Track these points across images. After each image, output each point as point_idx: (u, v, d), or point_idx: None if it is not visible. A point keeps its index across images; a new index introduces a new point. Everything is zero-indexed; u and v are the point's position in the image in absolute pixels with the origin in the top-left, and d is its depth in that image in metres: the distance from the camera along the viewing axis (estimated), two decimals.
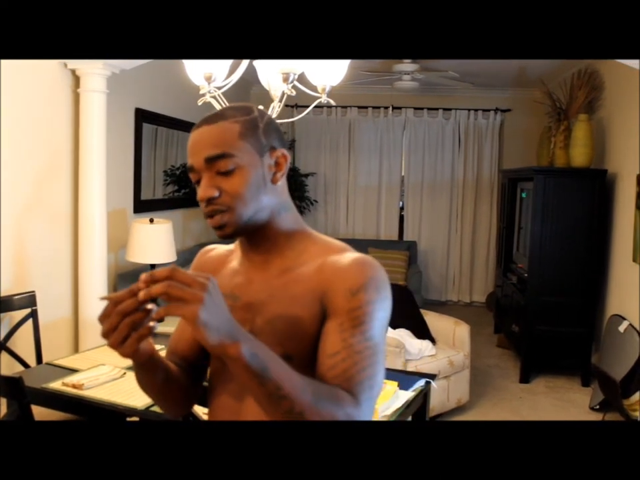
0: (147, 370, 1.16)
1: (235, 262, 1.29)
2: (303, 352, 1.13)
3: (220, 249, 1.37)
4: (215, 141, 1.15)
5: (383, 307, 1.12)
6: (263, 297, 1.19)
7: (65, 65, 3.61)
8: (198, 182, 1.18)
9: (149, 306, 0.96)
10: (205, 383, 1.32)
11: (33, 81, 3.42)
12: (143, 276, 0.93)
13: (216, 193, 1.14)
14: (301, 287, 1.15)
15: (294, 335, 1.14)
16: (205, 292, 0.91)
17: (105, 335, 0.98)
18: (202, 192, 1.15)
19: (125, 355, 1.01)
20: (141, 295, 0.94)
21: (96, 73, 3.61)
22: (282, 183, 1.22)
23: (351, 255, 1.16)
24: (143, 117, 4.87)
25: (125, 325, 0.97)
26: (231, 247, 1.34)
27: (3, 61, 3.15)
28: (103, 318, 0.98)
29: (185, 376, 1.27)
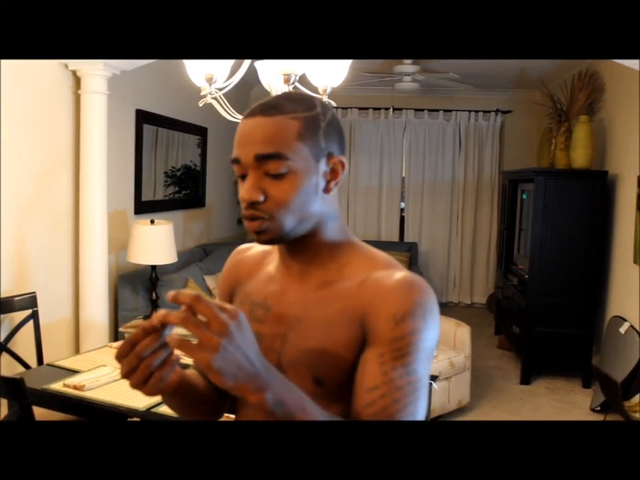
0: (175, 395, 1.10)
1: (271, 266, 1.18)
2: (336, 377, 1.04)
3: (256, 248, 1.25)
4: (269, 137, 1.02)
5: (429, 337, 1.01)
6: (297, 311, 1.08)
7: (66, 66, 3.61)
8: (242, 177, 1.06)
9: (167, 338, 0.88)
10: None
11: (34, 82, 3.42)
12: (161, 313, 0.86)
13: (261, 197, 1.02)
14: (340, 305, 1.04)
15: (327, 359, 1.04)
16: (224, 337, 0.82)
17: (125, 376, 0.92)
18: (246, 193, 1.03)
19: (150, 394, 0.94)
20: (155, 320, 0.87)
21: (97, 74, 3.61)
22: (333, 192, 1.10)
23: (397, 274, 1.04)
24: (143, 118, 4.87)
25: (146, 366, 0.90)
26: (267, 247, 1.22)
27: (4, 62, 3.15)
28: (119, 358, 0.91)
29: (212, 389, 1.19)
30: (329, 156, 1.07)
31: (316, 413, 0.94)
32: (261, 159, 1.02)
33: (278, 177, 1.02)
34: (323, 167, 1.06)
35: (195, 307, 0.82)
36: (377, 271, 1.06)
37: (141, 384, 0.91)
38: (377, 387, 0.98)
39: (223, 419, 1.31)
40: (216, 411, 1.23)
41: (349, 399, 1.03)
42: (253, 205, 1.03)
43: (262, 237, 1.05)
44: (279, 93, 2.67)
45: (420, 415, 1.01)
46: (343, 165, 1.09)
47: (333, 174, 1.08)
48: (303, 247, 1.10)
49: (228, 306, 0.85)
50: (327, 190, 1.08)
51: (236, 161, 1.05)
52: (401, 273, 1.04)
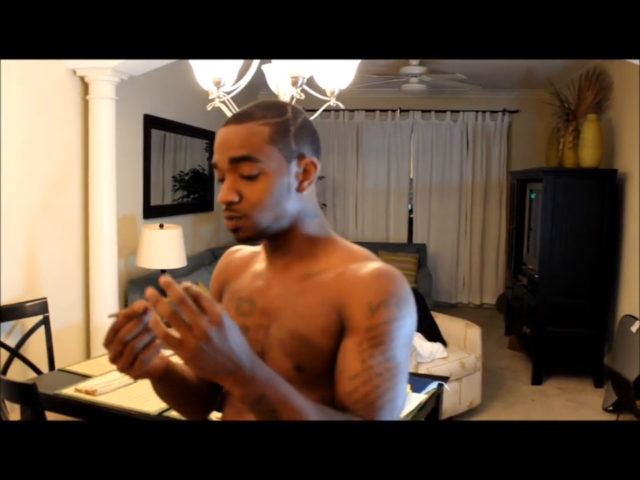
0: (163, 383, 1.16)
1: (259, 264, 1.25)
2: (315, 364, 1.09)
3: (246, 250, 1.33)
4: (241, 142, 1.09)
5: (404, 324, 1.06)
6: (279, 303, 1.15)
7: (74, 72, 3.63)
8: (222, 180, 1.13)
9: (151, 323, 0.90)
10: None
11: (43, 88, 3.44)
12: (149, 291, 0.89)
13: (236, 198, 1.10)
14: (318, 296, 1.10)
15: (307, 347, 1.09)
16: (202, 340, 0.85)
17: (112, 361, 1.00)
18: (222, 195, 1.11)
19: (135, 377, 1.02)
20: (139, 306, 0.97)
21: (105, 79, 3.62)
22: (309, 190, 1.16)
23: (372, 265, 1.09)
24: (151, 123, 4.89)
25: (129, 350, 0.98)
26: (257, 248, 1.30)
27: (14, 70, 3.17)
28: (106, 345, 1.00)
29: (202, 383, 1.26)
30: (300, 157, 1.13)
31: (299, 406, 0.96)
32: (235, 161, 1.09)
33: (251, 178, 1.09)
34: (294, 167, 1.12)
35: (180, 307, 0.86)
36: (353, 263, 1.12)
37: (127, 367, 1.00)
38: (357, 374, 1.03)
39: (218, 420, 1.31)
40: (206, 403, 1.28)
41: (329, 385, 1.08)
42: (229, 205, 1.11)
43: (238, 234, 1.13)
44: (287, 96, 2.69)
45: (400, 400, 1.06)
46: (314, 165, 1.15)
47: (305, 174, 1.14)
48: (285, 243, 1.16)
49: (215, 307, 0.88)
50: (300, 189, 1.14)
51: (215, 166, 1.13)
52: (375, 264, 1.10)
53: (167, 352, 1.04)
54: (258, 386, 0.92)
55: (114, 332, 0.98)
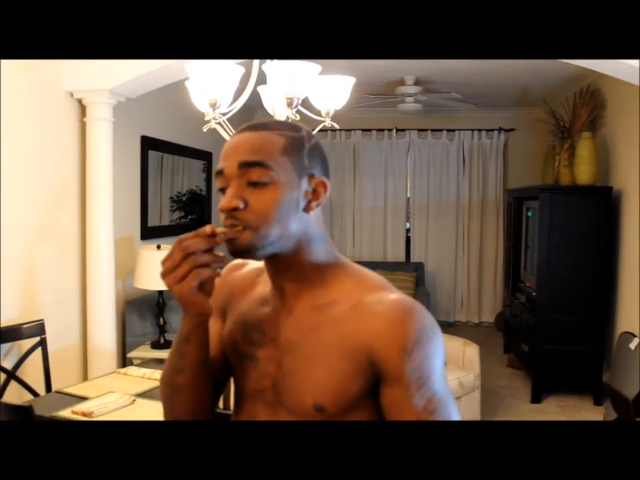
0: (195, 340, 1.08)
1: (263, 286, 1.19)
2: (339, 407, 1.04)
3: (250, 266, 1.26)
4: (254, 147, 1.04)
5: (439, 355, 1.05)
6: (291, 335, 1.09)
7: (72, 95, 3.65)
8: (223, 190, 1.06)
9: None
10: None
11: (41, 110, 3.46)
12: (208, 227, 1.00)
13: (241, 205, 1.02)
14: (336, 332, 1.05)
15: (331, 388, 1.03)
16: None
17: (165, 273, 0.99)
18: (226, 201, 1.03)
19: (181, 293, 0.99)
20: (209, 229, 0.99)
21: (102, 101, 3.65)
22: (316, 213, 1.11)
23: (390, 299, 1.05)
24: (148, 144, 4.91)
25: (190, 261, 0.97)
26: (260, 265, 1.22)
27: (11, 93, 3.20)
28: (166, 259, 0.99)
29: (212, 377, 1.18)
30: (311, 176, 1.09)
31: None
32: (245, 166, 1.03)
33: (259, 185, 1.03)
34: (304, 185, 1.08)
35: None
36: (368, 294, 1.06)
37: (179, 279, 0.98)
38: (417, 419, 1.01)
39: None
40: (211, 399, 1.19)
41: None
42: (231, 213, 1.03)
43: (233, 245, 1.04)
44: (282, 116, 2.70)
45: (454, 418, 1.05)
46: (325, 186, 1.10)
47: (314, 194, 1.09)
48: (291, 269, 1.10)
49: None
50: (307, 209, 1.09)
51: (220, 173, 1.07)
52: (393, 297, 1.05)
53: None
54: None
55: (179, 243, 0.98)
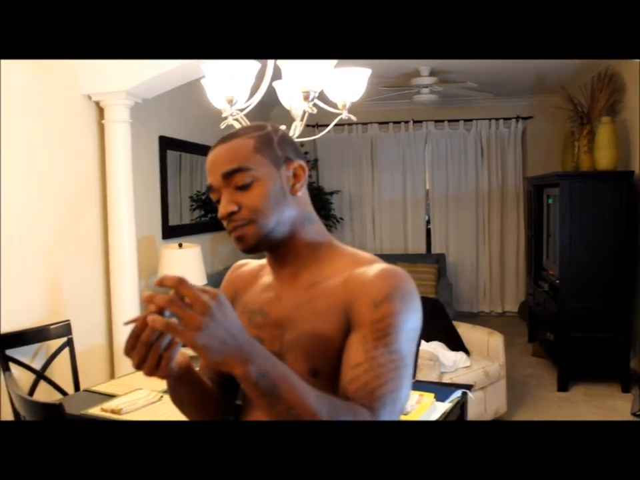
0: (185, 384, 1.17)
1: (266, 277, 1.28)
2: (330, 367, 1.11)
3: (252, 263, 1.38)
4: (230, 157, 1.15)
5: (409, 319, 1.08)
6: (290, 312, 1.18)
7: (89, 98, 3.69)
8: (219, 201, 1.18)
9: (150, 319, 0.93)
10: (238, 401, 1.32)
11: (60, 114, 3.50)
12: (145, 295, 0.92)
13: (235, 208, 1.14)
14: (327, 301, 1.13)
15: (320, 351, 1.12)
16: (205, 315, 0.88)
17: (138, 366, 0.99)
18: (222, 209, 1.15)
19: (163, 377, 1.02)
20: (151, 306, 0.93)
21: (119, 103, 3.68)
22: (302, 194, 1.22)
23: (377, 266, 1.13)
24: (166, 144, 4.95)
25: (155, 351, 0.97)
26: (263, 261, 1.33)
27: (31, 98, 3.23)
28: (128, 352, 0.98)
29: (219, 390, 1.28)
30: (288, 161, 1.20)
31: (299, 385, 0.98)
32: (227, 175, 1.15)
33: (245, 187, 1.15)
34: (284, 172, 1.19)
35: (179, 289, 0.89)
36: (359, 267, 1.15)
37: (154, 369, 0.99)
38: (359, 363, 1.05)
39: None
40: (223, 409, 1.30)
41: None
42: (231, 217, 1.15)
43: (243, 243, 1.17)
44: (299, 110, 2.71)
45: (403, 392, 1.07)
46: (303, 168, 1.21)
47: (296, 177, 1.20)
48: (287, 252, 1.21)
49: (209, 289, 0.92)
50: (293, 192, 1.19)
51: (210, 189, 1.19)
52: (380, 265, 1.14)
53: (188, 351, 1.04)
54: (261, 362, 0.94)
55: (135, 337, 0.97)
